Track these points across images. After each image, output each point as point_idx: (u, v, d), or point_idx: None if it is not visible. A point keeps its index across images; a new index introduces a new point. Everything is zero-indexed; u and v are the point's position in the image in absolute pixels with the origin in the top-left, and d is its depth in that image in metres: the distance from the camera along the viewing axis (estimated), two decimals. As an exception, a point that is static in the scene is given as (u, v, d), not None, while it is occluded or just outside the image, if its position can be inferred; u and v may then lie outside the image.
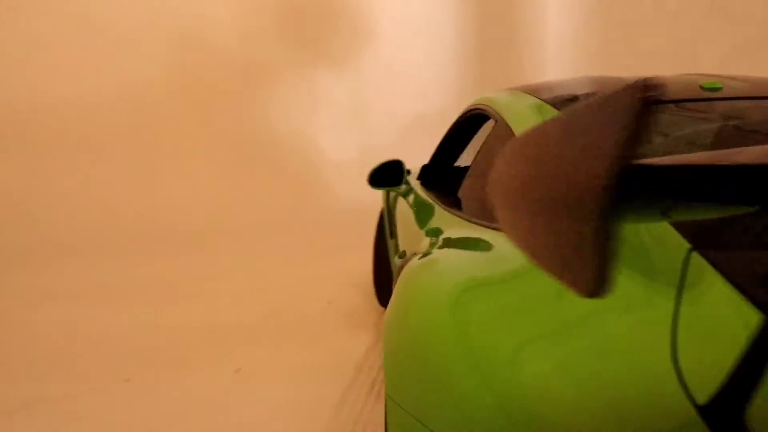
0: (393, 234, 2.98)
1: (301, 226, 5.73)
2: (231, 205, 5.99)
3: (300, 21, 6.48)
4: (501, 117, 1.63)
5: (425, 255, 1.36)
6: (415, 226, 2.19)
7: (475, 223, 1.45)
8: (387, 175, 2.66)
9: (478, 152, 1.76)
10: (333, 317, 3.37)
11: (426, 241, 1.67)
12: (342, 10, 6.59)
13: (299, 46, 6.48)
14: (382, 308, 3.45)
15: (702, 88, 1.51)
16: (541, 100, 1.55)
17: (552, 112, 1.44)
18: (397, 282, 1.27)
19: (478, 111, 2.05)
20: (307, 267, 4.37)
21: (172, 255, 4.82)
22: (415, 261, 1.34)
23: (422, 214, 2.18)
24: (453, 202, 1.87)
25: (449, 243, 1.42)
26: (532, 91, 1.71)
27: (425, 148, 6.51)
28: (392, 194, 2.99)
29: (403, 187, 2.68)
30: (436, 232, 1.71)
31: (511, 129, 1.51)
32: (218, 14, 6.22)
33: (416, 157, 6.04)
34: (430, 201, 2.10)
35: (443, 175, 2.65)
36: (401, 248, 2.56)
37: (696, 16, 6.21)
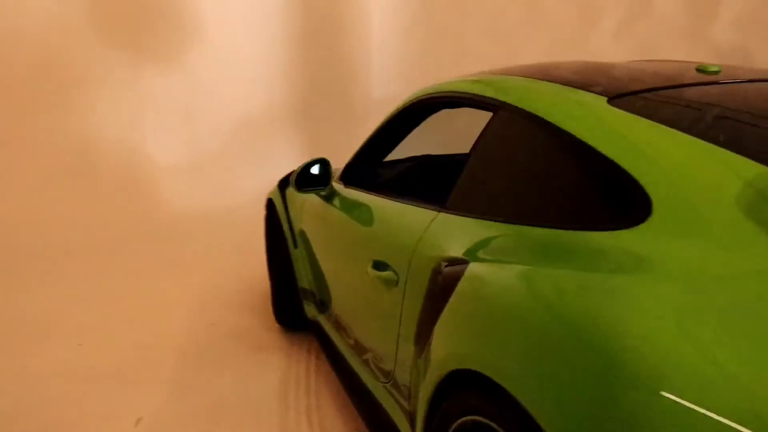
0: (297, 244, 2.76)
1: (137, 242, 5.08)
2: (55, 221, 5.13)
3: (121, 15, 5.76)
4: (517, 105, 1.48)
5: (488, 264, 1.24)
6: (358, 231, 2.02)
7: (502, 222, 1.33)
8: (309, 176, 2.42)
9: (478, 144, 1.58)
10: (226, 342, 3.00)
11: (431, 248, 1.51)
12: (167, 4, 5.98)
13: (123, 43, 5.76)
14: (279, 327, 3.15)
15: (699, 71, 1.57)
16: (563, 83, 1.49)
17: (591, 98, 1.36)
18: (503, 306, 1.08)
19: (431, 101, 1.93)
20: (164, 287, 3.87)
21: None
22: (511, 276, 1.13)
23: (365, 215, 2.01)
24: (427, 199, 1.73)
25: (509, 248, 1.26)
26: (531, 74, 1.63)
27: (259, 149, 6.20)
28: (297, 199, 2.75)
29: (327, 189, 2.45)
30: (436, 238, 1.52)
31: (539, 117, 1.39)
32: (33, 6, 5.28)
33: (252, 161, 5.53)
34: (389, 200, 1.93)
35: (371, 172, 2.49)
36: (327, 257, 2.37)
37: (514, 19, 6.68)
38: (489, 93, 1.63)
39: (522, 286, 1.09)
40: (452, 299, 1.27)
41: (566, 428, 0.85)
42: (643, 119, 1.22)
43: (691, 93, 1.43)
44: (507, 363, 1.01)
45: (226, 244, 4.50)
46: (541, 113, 1.39)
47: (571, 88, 1.44)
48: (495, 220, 1.37)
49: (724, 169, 1.00)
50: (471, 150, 1.62)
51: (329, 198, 2.38)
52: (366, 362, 2.01)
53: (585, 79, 1.52)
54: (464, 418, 1.16)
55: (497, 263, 1.23)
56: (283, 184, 2.99)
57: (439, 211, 1.59)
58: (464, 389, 1.18)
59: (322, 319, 2.54)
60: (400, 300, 1.61)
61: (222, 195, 5.45)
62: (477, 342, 1.13)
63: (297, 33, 6.72)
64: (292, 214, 2.81)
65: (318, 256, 2.50)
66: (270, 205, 3.11)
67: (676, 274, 0.90)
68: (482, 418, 1.09)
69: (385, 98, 6.47)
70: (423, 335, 1.44)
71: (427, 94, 1.95)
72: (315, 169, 2.40)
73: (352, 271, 2.02)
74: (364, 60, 7.46)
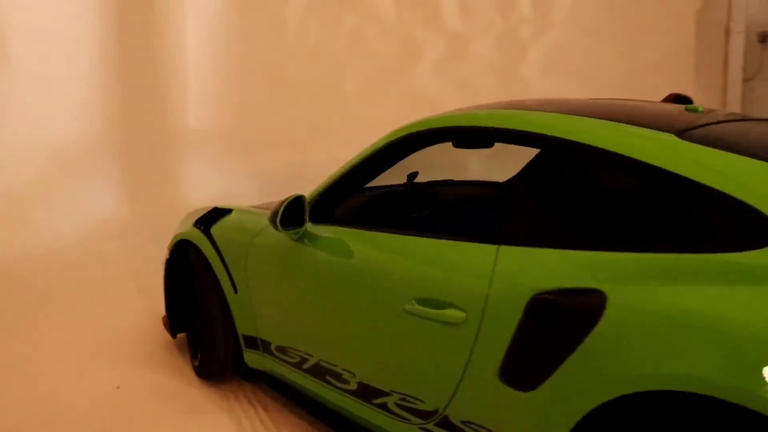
0: (238, 289, 2.58)
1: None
2: None
3: None
4: (584, 142, 1.60)
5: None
6: (379, 271, 1.95)
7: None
8: (286, 215, 2.24)
9: (528, 178, 1.83)
10: (145, 406, 2.69)
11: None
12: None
13: None
14: (200, 381, 2.94)
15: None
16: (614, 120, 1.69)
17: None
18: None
19: (434, 133, 1.99)
20: (23, 352, 3.25)
21: None
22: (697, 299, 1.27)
23: (382, 254, 1.97)
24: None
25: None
26: (562, 110, 1.78)
27: (74, 182, 5.45)
28: (237, 240, 2.62)
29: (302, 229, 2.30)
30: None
31: (619, 154, 1.54)
32: None
33: (68, 195, 4.93)
34: (410, 236, 1.93)
35: (346, 207, 2.36)
36: (308, 300, 2.25)
37: (336, 47, 6.54)
38: (534, 129, 1.71)
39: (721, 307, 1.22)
40: (601, 326, 1.33)
41: None
42: (720, 151, 1.46)
43: (735, 128, 1.72)
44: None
45: (73, 290, 3.94)
46: (622, 151, 1.52)
47: (631, 125, 1.65)
48: (596, 250, 1.48)
49: None
50: (515, 184, 1.80)
51: (310, 238, 2.26)
52: (383, 406, 1.97)
53: (628, 117, 1.71)
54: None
55: (651, 288, 1.32)
56: (204, 223, 2.80)
57: (499, 245, 1.64)
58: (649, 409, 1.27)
59: (282, 367, 2.46)
60: (471, 335, 1.63)
61: (41, 234, 4.92)
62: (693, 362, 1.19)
63: (112, 61, 6.07)
64: (229, 256, 2.64)
65: (287, 300, 2.40)
66: (181, 247, 2.91)
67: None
68: None
69: (202, 128, 6.06)
70: (520, 367, 1.51)
71: (430, 127, 1.99)
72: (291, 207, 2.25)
73: (369, 313, 2.00)
74: (180, 89, 6.89)
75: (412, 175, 2.74)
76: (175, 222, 3.14)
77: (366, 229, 2.12)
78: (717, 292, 1.22)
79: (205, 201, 3.87)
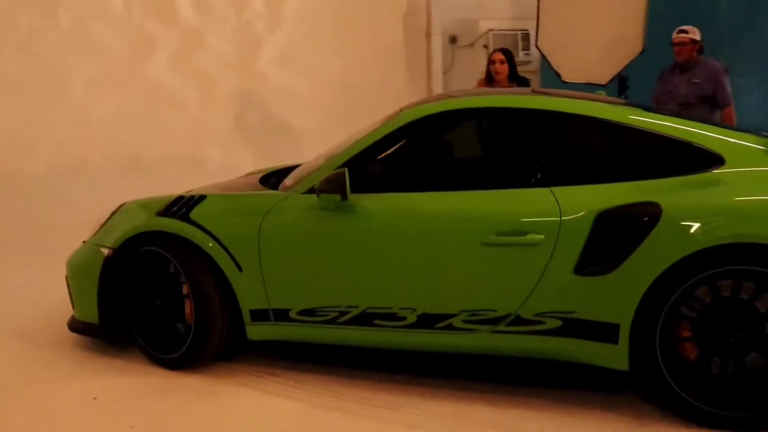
0: (242, 267, 2.66)
1: None
2: None
3: None
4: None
5: None
6: (453, 217, 2.47)
7: None
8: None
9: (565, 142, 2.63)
10: (149, 408, 2.52)
11: None
12: None
13: None
14: (184, 372, 2.81)
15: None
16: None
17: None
18: None
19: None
20: None
21: None
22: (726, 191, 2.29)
23: (454, 203, 2.51)
24: None
25: None
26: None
27: None
28: (245, 221, 2.71)
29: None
30: None
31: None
32: None
33: None
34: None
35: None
36: (358, 259, 2.54)
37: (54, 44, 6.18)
38: (560, 108, 2.59)
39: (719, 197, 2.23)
40: (662, 223, 2.16)
41: None
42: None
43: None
44: None
45: None
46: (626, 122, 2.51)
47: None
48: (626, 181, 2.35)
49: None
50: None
51: (350, 206, 2.55)
52: (448, 326, 2.47)
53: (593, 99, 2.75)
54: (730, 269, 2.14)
55: (679, 195, 2.25)
56: (177, 212, 2.80)
57: (549, 187, 2.40)
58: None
59: (306, 329, 2.68)
60: (549, 250, 2.31)
61: None
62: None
63: None
64: (229, 238, 2.70)
65: (324, 265, 2.61)
66: (130, 243, 2.84)
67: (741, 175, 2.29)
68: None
69: None
70: (596, 262, 2.26)
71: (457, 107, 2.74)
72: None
73: (441, 255, 2.46)
74: None
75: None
76: None
77: (414, 192, 2.59)
78: (712, 191, 2.23)
79: None
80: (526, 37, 8.29)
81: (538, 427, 2.29)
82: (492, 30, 8.29)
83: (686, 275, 2.16)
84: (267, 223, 2.67)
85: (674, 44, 4.60)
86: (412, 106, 2.88)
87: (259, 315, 2.74)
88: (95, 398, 2.64)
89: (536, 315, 2.38)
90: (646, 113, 2.56)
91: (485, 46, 8.36)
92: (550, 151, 2.55)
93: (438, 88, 8.21)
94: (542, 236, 2.33)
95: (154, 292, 2.91)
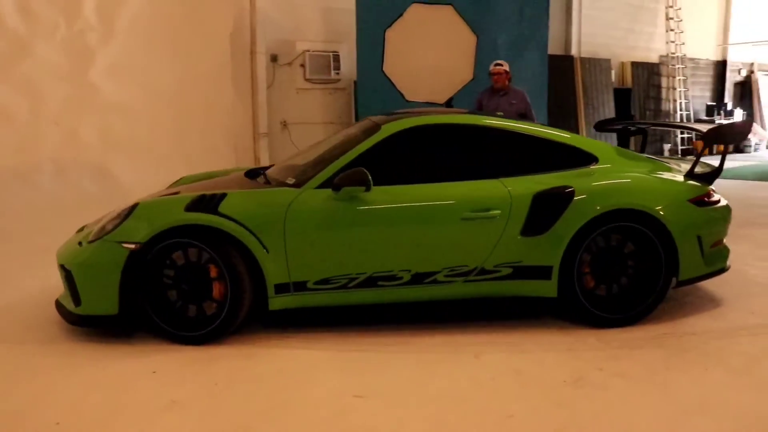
0: (269, 249, 3.32)
1: None
2: None
3: None
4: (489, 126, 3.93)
5: None
6: (439, 200, 3.51)
7: None
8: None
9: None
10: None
11: None
12: None
13: None
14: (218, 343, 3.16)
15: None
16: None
17: None
18: None
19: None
20: None
21: None
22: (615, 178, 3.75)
23: (434, 193, 3.57)
24: None
25: None
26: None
27: None
28: (270, 210, 3.37)
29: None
30: None
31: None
32: None
33: None
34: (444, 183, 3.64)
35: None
36: (369, 237, 3.43)
37: None
38: (471, 122, 3.96)
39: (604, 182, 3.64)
40: (577, 199, 3.46)
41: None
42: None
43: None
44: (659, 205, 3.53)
45: None
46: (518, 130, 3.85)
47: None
48: (539, 174, 3.64)
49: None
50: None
51: (362, 197, 3.40)
52: (433, 281, 3.47)
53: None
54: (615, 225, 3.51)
55: (580, 179, 3.58)
56: (205, 208, 3.30)
57: (499, 178, 3.56)
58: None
59: (320, 296, 3.43)
60: (504, 220, 3.46)
61: None
62: (633, 197, 3.54)
63: None
64: (257, 226, 3.31)
65: (339, 242, 3.40)
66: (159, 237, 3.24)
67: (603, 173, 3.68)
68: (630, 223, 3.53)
69: None
70: (534, 227, 3.46)
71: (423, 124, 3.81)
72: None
73: (432, 227, 3.46)
74: None
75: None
76: None
77: (410, 183, 3.54)
78: (598, 178, 3.60)
79: None
80: (337, 58, 9.47)
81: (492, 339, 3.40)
82: (308, 51, 9.28)
83: (591, 231, 3.45)
84: (291, 212, 3.36)
85: (492, 74, 6.14)
86: (386, 120, 3.78)
87: (281, 288, 3.39)
88: (155, 372, 3.02)
89: (495, 266, 3.49)
90: (549, 128, 3.90)
91: (302, 65, 9.33)
92: (495, 153, 3.67)
93: (262, 104, 8.89)
94: (499, 211, 3.45)
95: (180, 278, 3.33)
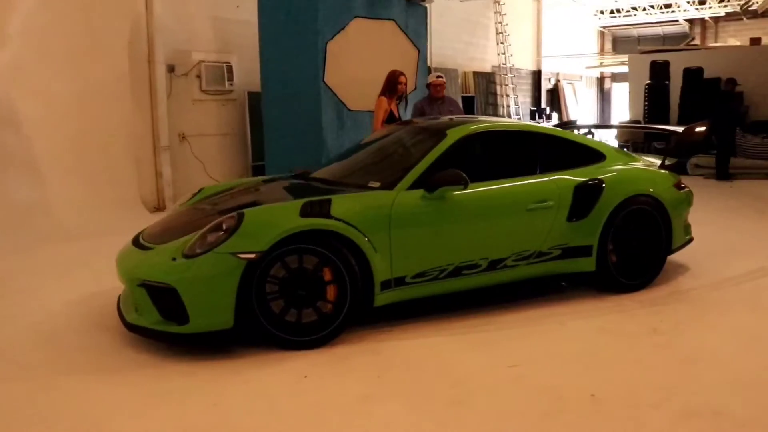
0: (377, 249, 3.54)
1: None
2: None
3: None
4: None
5: None
6: (509, 196, 4.06)
7: None
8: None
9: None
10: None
11: None
12: None
13: None
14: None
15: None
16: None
17: None
18: None
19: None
20: None
21: None
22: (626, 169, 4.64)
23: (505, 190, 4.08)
24: None
25: None
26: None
27: None
28: (379, 214, 3.59)
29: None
30: None
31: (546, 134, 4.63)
32: None
33: None
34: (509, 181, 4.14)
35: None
36: (463, 230, 3.85)
37: None
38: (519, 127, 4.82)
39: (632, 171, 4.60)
40: (606, 189, 4.20)
41: None
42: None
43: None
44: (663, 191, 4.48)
45: None
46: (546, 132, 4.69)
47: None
48: (570, 169, 4.29)
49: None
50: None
51: (449, 195, 3.78)
52: (504, 266, 3.97)
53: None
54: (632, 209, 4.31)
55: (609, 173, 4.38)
56: (318, 213, 3.43)
57: (547, 174, 4.18)
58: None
59: (417, 288, 3.74)
60: (555, 209, 4.08)
61: None
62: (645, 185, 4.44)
63: None
64: (367, 228, 3.51)
65: (434, 238, 3.75)
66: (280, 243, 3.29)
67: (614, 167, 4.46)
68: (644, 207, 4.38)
69: None
70: (577, 213, 4.12)
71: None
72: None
73: (505, 218, 3.98)
74: None
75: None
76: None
77: (475, 182, 3.86)
78: (613, 170, 4.39)
79: None
80: (230, 69, 9.36)
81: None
82: (203, 61, 9.06)
83: (617, 214, 4.21)
84: (395, 213, 3.62)
85: (435, 85, 6.71)
86: (448, 126, 4.23)
87: (385, 285, 3.63)
88: (306, 377, 3.10)
89: (549, 248, 4.09)
90: (569, 132, 4.65)
91: (198, 76, 9.08)
92: (539, 153, 4.27)
93: (163, 116, 8.47)
94: (552, 202, 4.06)
95: (294, 284, 3.37)
